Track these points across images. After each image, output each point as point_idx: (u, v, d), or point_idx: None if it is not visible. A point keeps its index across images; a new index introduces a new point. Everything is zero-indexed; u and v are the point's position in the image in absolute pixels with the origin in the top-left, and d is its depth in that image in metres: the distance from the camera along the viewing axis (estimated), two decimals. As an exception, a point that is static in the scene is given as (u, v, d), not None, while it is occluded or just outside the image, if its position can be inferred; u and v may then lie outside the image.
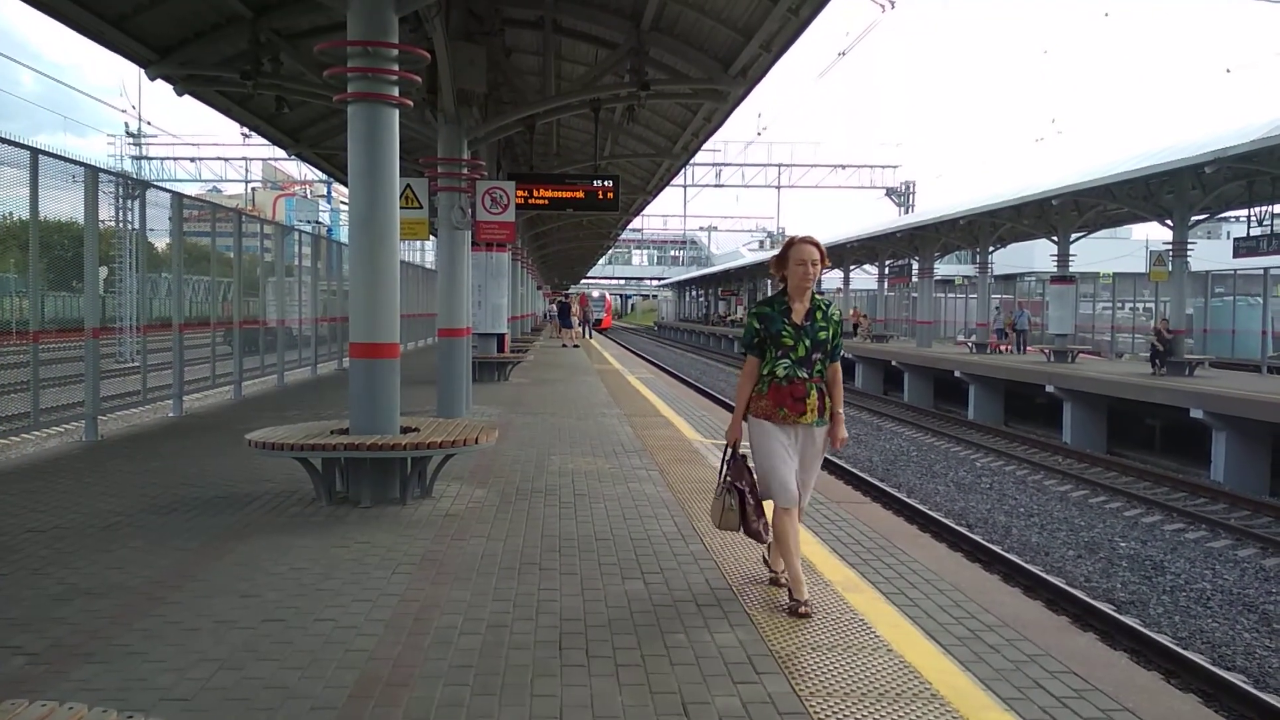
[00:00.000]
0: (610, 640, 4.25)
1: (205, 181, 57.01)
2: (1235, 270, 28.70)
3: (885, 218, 56.18)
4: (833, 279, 50.77)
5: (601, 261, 79.50)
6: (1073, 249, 27.05)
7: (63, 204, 9.73)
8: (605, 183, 15.82)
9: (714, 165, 61.79)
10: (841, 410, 4.89)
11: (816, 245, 4.81)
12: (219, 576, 5.16)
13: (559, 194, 15.81)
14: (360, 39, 7.32)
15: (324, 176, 44.79)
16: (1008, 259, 42.32)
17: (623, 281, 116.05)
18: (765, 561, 5.23)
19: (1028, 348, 30.15)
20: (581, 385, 17.64)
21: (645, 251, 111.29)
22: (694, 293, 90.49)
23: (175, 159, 54.75)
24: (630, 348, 49.12)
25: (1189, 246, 22.59)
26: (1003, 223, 29.11)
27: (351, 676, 3.81)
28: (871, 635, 4.39)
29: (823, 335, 4.76)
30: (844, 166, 62.46)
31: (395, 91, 7.52)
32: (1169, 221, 22.86)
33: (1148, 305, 33.27)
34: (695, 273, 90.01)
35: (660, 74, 12.73)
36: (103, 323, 10.65)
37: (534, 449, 9.76)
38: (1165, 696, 4.33)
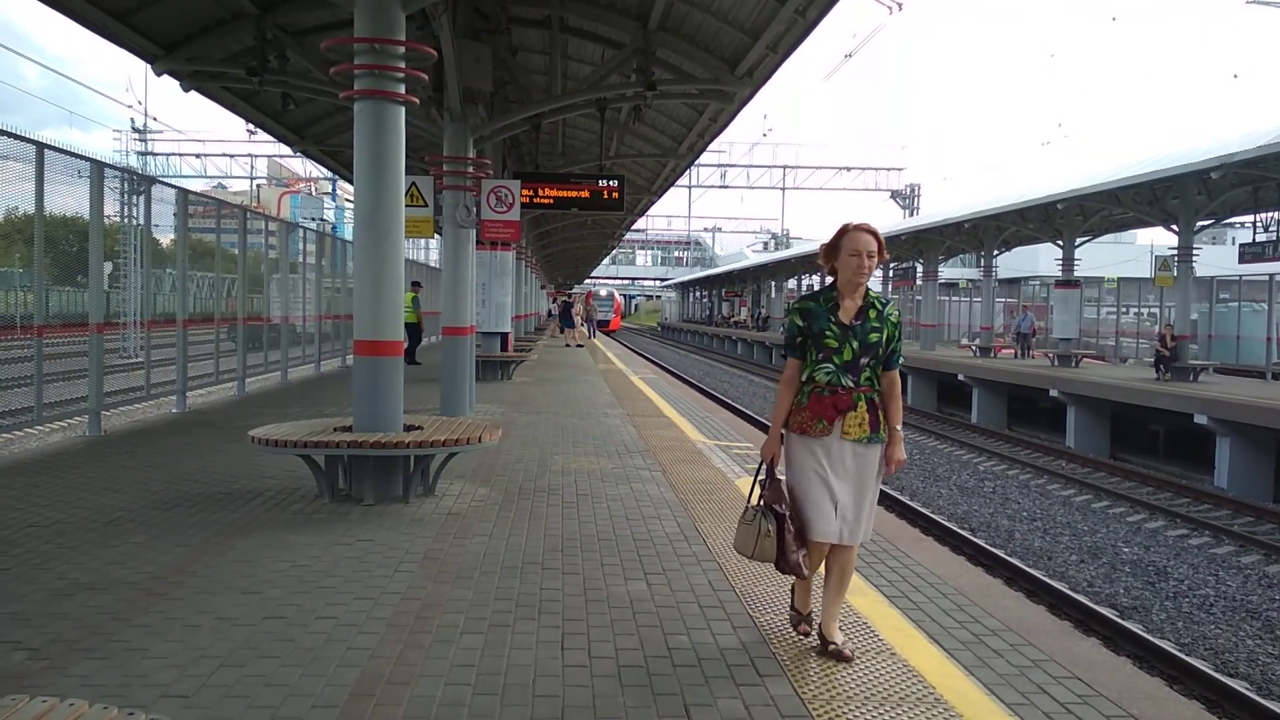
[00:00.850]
0: (613, 641, 4.24)
1: (210, 178, 57.25)
2: (1240, 276, 28.65)
3: (890, 220, 56.12)
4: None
5: (605, 261, 79.43)
6: (1077, 253, 27.02)
7: (68, 199, 9.74)
8: (610, 182, 15.80)
9: (719, 166, 61.95)
10: (899, 427, 4.20)
11: (874, 234, 4.15)
12: (221, 573, 5.15)
13: (564, 193, 15.79)
14: (367, 36, 7.31)
15: (329, 174, 44.79)
16: (1012, 262, 42.19)
17: (627, 282, 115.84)
18: (792, 602, 4.51)
19: (1032, 352, 30.08)
20: (585, 385, 17.63)
21: (649, 252, 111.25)
22: (698, 293, 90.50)
23: (181, 155, 55.01)
24: (633, 348, 49.10)
25: (1194, 252, 22.55)
26: (1007, 226, 29.08)
27: (353, 675, 3.80)
28: (875, 639, 4.38)
29: (874, 338, 4.10)
30: (849, 169, 62.57)
31: (401, 89, 7.51)
32: (1174, 227, 22.83)
33: (1152, 310, 33.24)
34: (699, 273, 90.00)
35: (666, 74, 12.73)
36: (107, 318, 10.66)
37: (537, 448, 9.75)
38: (1169, 703, 4.32)
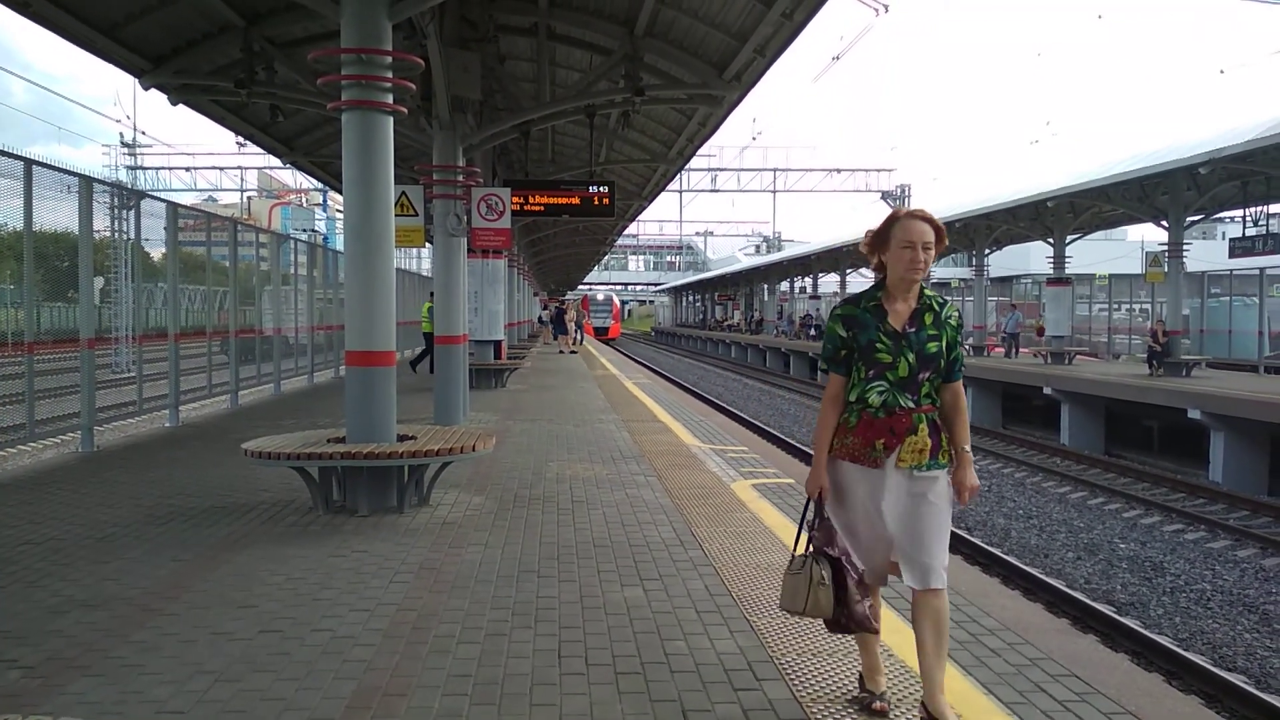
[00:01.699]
0: (610, 648, 4.23)
1: (200, 191, 57.06)
2: (1231, 270, 28.72)
3: (881, 221, 56.24)
4: (830, 283, 50.83)
5: (598, 267, 79.41)
6: (1069, 250, 27.08)
7: (58, 214, 9.73)
8: (601, 189, 15.83)
9: (709, 170, 61.90)
10: (968, 448, 3.55)
11: (931, 221, 3.50)
12: (215, 587, 5.13)
13: (555, 200, 15.81)
14: (354, 46, 7.31)
15: (319, 185, 44.81)
16: (1004, 261, 42.38)
17: (620, 287, 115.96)
18: (861, 681, 3.73)
19: (1021, 349, 30.13)
20: (579, 391, 17.62)
21: (641, 257, 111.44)
22: (691, 298, 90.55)
23: (170, 169, 54.80)
24: (627, 353, 49.08)
25: (1185, 247, 22.61)
26: (998, 225, 29.13)
27: (349, 687, 3.78)
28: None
29: (933, 347, 3.45)
30: (839, 170, 62.59)
31: (390, 99, 7.51)
32: (1164, 222, 22.88)
33: (1144, 306, 33.33)
34: (692, 278, 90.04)
35: (655, 79, 12.75)
36: (98, 333, 10.63)
37: (531, 455, 9.74)
38: (1168, 699, 4.32)
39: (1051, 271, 27.55)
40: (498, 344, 18.83)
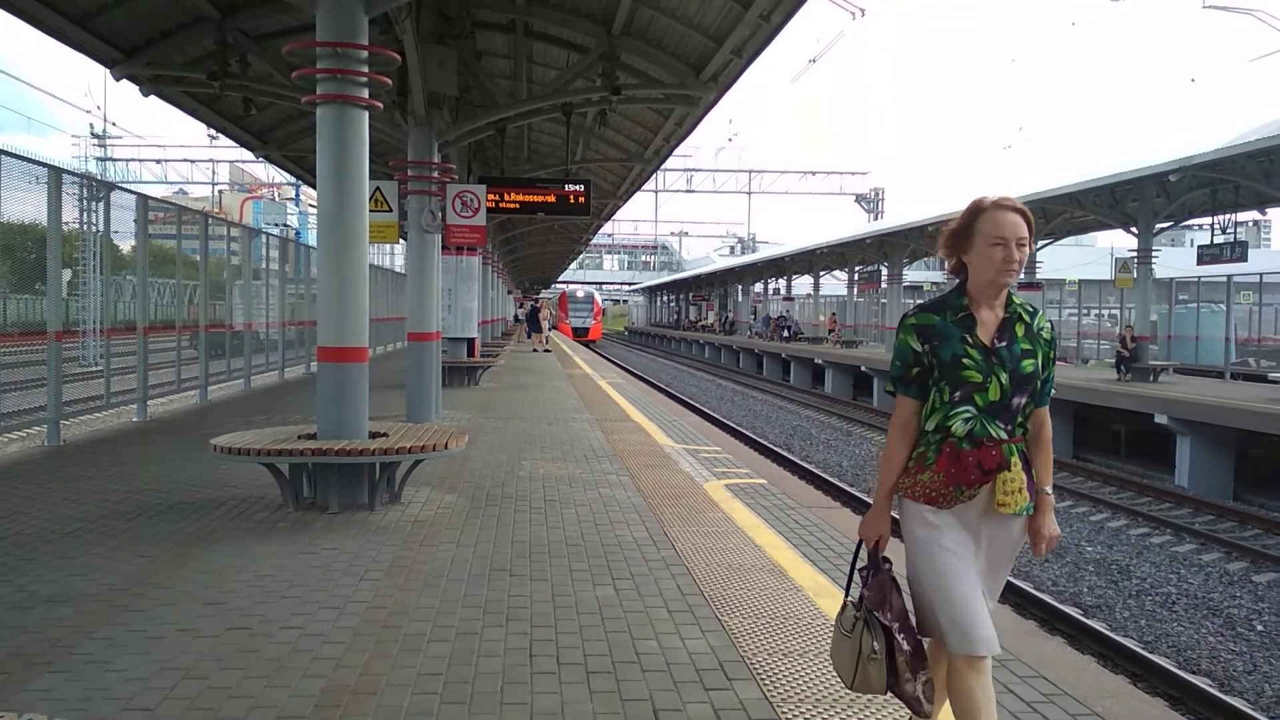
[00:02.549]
0: (581, 647, 4.22)
1: (171, 184, 56.61)
2: (1199, 277, 29.04)
3: (855, 224, 56.56)
4: (803, 284, 51.04)
5: (573, 266, 79.26)
6: (1039, 255, 27.34)
7: (26, 205, 9.59)
8: (577, 187, 15.79)
9: (685, 171, 62.17)
10: (1050, 489, 2.98)
11: (1023, 213, 2.93)
12: (183, 583, 5.08)
13: (530, 198, 15.76)
14: (329, 40, 7.26)
15: (292, 179, 44.48)
16: (976, 265, 42.54)
17: (596, 286, 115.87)
18: None
19: None
20: (552, 390, 17.59)
21: (616, 256, 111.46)
22: (665, 298, 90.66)
23: (141, 160, 54.39)
24: (601, 353, 49.05)
25: (1154, 254, 22.88)
26: (971, 229, 29.32)
27: (318, 685, 3.76)
28: (843, 641, 4.38)
29: (1029, 366, 2.90)
30: (814, 173, 63.14)
31: (365, 93, 7.47)
32: (1134, 229, 23.16)
33: (1113, 312, 33.63)
34: (666, 278, 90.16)
35: (632, 79, 12.75)
36: (66, 326, 10.49)
37: (504, 454, 9.71)
38: (1133, 700, 4.35)
39: (1022, 276, 27.77)
40: (471, 341, 18.77)
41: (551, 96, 13.56)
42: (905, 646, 2.93)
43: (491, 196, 14.78)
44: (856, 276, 42.52)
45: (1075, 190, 21.94)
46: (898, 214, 44.57)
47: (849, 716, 3.58)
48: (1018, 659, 4.25)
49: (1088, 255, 52.31)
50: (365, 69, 7.41)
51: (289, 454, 6.69)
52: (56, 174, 9.72)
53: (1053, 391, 3.01)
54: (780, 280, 53.19)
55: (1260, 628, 9.39)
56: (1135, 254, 23.31)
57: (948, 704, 2.98)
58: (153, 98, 12.81)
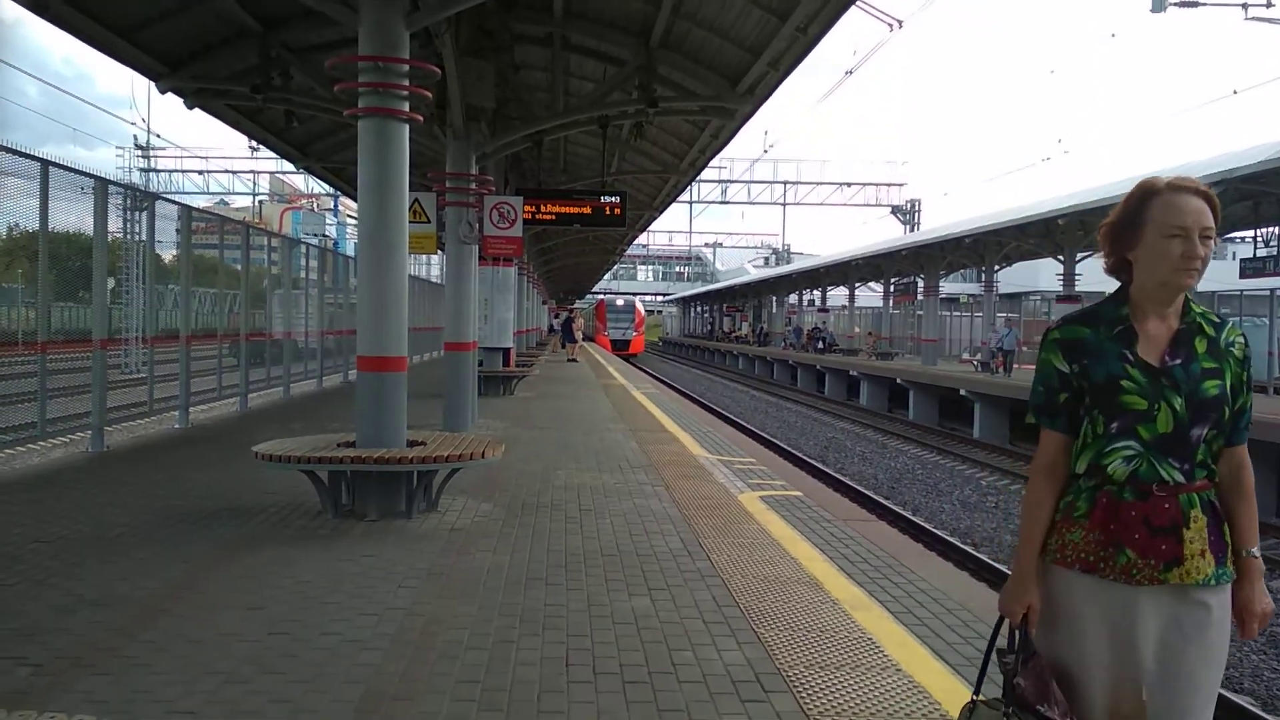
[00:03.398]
0: (617, 657, 4.23)
1: (213, 194, 57.45)
2: (1242, 291, 28.62)
3: (891, 235, 56.23)
4: (838, 297, 50.82)
5: (607, 277, 79.39)
6: (1078, 268, 27.05)
7: (71, 215, 9.79)
8: (612, 199, 15.87)
9: (720, 182, 62.11)
10: (1258, 552, 2.35)
11: (1208, 197, 2.31)
12: (224, 589, 5.15)
13: (566, 209, 15.85)
14: (371, 54, 7.35)
15: (330, 189, 44.96)
16: (1013, 277, 42.28)
17: (630, 297, 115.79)
18: None
19: (1014, 365, 30.02)
20: (586, 400, 17.63)
21: (650, 267, 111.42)
22: (699, 309, 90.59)
23: (183, 171, 55.19)
24: (634, 363, 49.07)
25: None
26: (1008, 241, 29.13)
27: (357, 691, 3.79)
28: (880, 654, 4.36)
29: (1213, 389, 2.28)
30: (849, 184, 62.74)
31: (405, 107, 7.55)
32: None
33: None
34: (700, 289, 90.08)
35: (668, 91, 12.78)
36: (110, 334, 10.67)
37: (540, 463, 9.75)
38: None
39: (1061, 289, 27.51)
40: (506, 351, 18.87)
41: (588, 109, 13.63)
42: None
43: (528, 208, 14.89)
44: (892, 288, 42.29)
45: (1113, 202, 21.68)
46: (934, 225, 44.29)
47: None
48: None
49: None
50: (406, 83, 7.49)
51: (328, 461, 6.76)
52: (103, 185, 9.90)
53: (1249, 423, 2.37)
54: (815, 291, 52.98)
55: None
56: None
57: None
58: (196, 110, 13.02)
